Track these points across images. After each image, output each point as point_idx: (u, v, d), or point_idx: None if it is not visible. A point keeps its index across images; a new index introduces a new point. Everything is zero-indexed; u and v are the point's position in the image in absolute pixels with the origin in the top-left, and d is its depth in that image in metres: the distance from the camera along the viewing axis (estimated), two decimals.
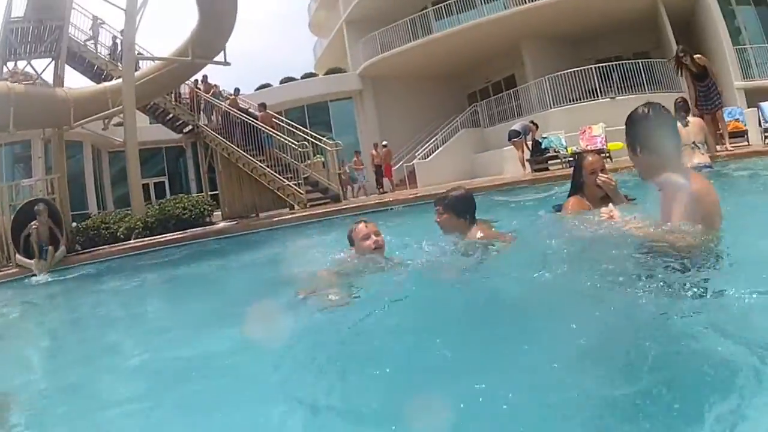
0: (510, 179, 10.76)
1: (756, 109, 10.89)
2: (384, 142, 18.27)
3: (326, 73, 23.67)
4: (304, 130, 13.94)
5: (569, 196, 3.05)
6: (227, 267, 6.84)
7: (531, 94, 17.04)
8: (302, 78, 23.47)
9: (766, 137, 10.29)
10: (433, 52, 19.37)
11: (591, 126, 12.92)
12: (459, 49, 18.88)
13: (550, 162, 13.20)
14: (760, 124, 10.61)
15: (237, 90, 15.46)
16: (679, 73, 8.92)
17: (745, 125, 10.75)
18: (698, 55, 8.78)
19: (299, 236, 7.86)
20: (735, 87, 14.52)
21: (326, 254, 3.43)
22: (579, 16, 16.52)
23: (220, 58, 12.86)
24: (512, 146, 14.26)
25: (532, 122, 14.07)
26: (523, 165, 13.73)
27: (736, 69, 14.91)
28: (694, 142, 5.45)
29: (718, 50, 15.02)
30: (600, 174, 2.95)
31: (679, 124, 5.36)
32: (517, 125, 14.04)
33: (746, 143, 10.27)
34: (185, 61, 12.41)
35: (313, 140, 13.46)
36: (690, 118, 6.05)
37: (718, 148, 8.28)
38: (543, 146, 13.47)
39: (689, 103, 7.50)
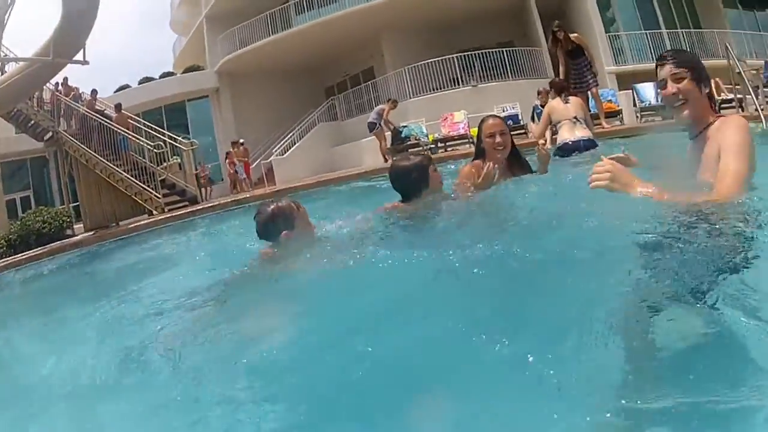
0: (371, 167, 10.76)
1: (630, 90, 11.62)
2: (241, 140, 17.11)
3: (184, 72, 22.32)
4: (160, 130, 13.38)
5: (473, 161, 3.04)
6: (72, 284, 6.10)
7: (390, 84, 16.62)
8: (160, 77, 22.11)
9: (642, 116, 10.87)
10: (292, 47, 18.58)
11: (453, 113, 12.81)
12: (317, 43, 18.21)
13: (411, 150, 12.43)
14: (634, 104, 11.27)
15: (94, 91, 14.55)
16: (556, 49, 8.69)
17: (618, 106, 11.30)
18: (575, 34, 8.76)
19: (155, 242, 7.33)
20: (606, 72, 15.05)
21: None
22: (442, 7, 16.41)
23: (79, 56, 11.71)
24: (374, 137, 13.43)
25: (388, 100, 13.27)
26: (384, 155, 12.92)
27: (608, 55, 15.49)
28: (575, 117, 5.43)
29: (589, 37, 15.14)
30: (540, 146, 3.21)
31: (559, 100, 5.65)
32: (372, 115, 13.15)
33: (619, 123, 10.58)
34: (47, 61, 11.04)
35: (169, 141, 13.03)
36: (571, 97, 5.99)
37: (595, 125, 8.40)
38: (403, 135, 12.92)
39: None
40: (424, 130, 12.96)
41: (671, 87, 1.86)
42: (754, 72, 10.53)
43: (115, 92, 20.28)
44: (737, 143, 1.71)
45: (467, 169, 2.97)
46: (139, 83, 21.89)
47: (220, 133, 20.31)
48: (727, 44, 9.82)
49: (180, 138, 13.77)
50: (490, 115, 3.19)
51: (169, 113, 20.68)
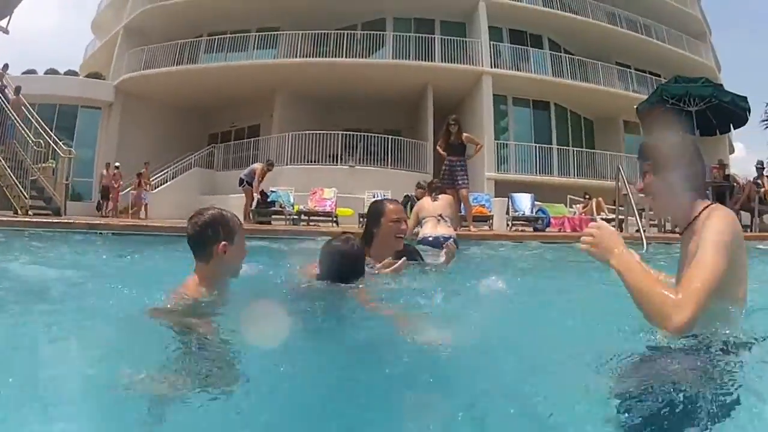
0: None
1: (507, 198, 12.11)
2: (117, 164, 16.26)
3: (86, 76, 21.02)
4: (47, 129, 12.63)
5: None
6: None
7: (271, 146, 16.31)
8: (64, 74, 20.75)
9: (512, 225, 11.28)
10: (190, 83, 18.04)
11: (323, 188, 12.68)
12: (216, 86, 17.80)
13: (274, 216, 12.34)
14: (507, 212, 11.69)
15: (6, 66, 13.86)
16: (444, 141, 8.72)
17: (490, 211, 11.50)
18: (467, 134, 8.85)
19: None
20: (486, 177, 15.27)
21: None
22: (342, 82, 16.48)
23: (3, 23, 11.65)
24: (242, 195, 12.81)
25: (267, 161, 12.86)
26: (246, 216, 12.22)
27: (491, 161, 15.68)
28: (440, 215, 5.55)
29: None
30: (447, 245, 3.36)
31: (429, 199, 5.76)
32: (246, 171, 12.65)
33: (487, 228, 10.70)
34: None
35: (51, 142, 12.32)
36: (441, 195, 6.12)
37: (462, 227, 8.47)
38: (270, 199, 12.61)
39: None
40: (291, 200, 12.69)
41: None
42: (643, 195, 10.63)
43: (23, 73, 18.85)
44: (713, 235, 1.50)
45: None
46: (45, 73, 20.40)
47: (100, 149, 19.11)
48: (619, 166, 9.95)
49: (61, 143, 12.92)
50: (389, 200, 3.11)
51: (62, 114, 19.18)
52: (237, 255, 2.08)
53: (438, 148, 8.86)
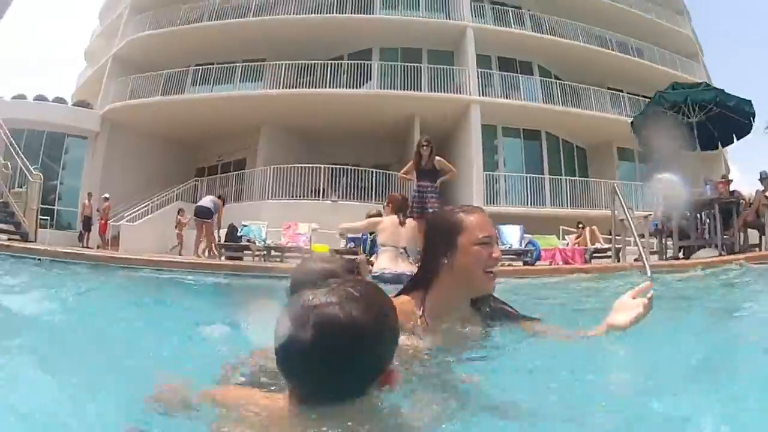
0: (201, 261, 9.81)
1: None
2: (106, 195, 16.09)
3: (74, 104, 20.91)
4: (18, 152, 12.69)
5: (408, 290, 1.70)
6: None
7: (255, 180, 16.06)
8: (53, 101, 20.40)
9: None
10: (177, 115, 17.88)
11: (298, 223, 12.22)
12: (202, 118, 17.61)
13: (241, 252, 11.83)
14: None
15: None
16: (416, 165, 7.97)
17: None
18: (440, 158, 7.89)
19: None
20: None
21: None
22: (329, 116, 16.32)
23: None
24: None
25: (219, 196, 12.52)
26: (211, 251, 11.87)
27: (480, 193, 15.35)
28: (404, 248, 5.02)
29: (467, 175, 15.34)
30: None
31: (394, 220, 5.18)
32: (207, 201, 12.11)
33: None
34: None
35: (21, 166, 12.35)
36: (408, 220, 5.49)
37: None
38: (240, 233, 12.13)
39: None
40: (263, 234, 12.18)
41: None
42: (641, 220, 10.16)
43: (12, 98, 19.34)
44: None
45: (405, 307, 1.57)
46: (34, 99, 20.17)
47: (86, 179, 18.95)
48: (615, 187, 9.35)
49: (32, 168, 12.85)
50: (467, 208, 1.68)
51: (50, 141, 19.25)
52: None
53: (401, 173, 8.23)
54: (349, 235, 10.94)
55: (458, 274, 1.58)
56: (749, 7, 55.72)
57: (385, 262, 4.83)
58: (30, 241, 11.16)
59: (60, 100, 21.41)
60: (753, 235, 9.15)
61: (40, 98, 20.41)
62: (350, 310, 0.90)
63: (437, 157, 7.88)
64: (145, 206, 16.40)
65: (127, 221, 15.84)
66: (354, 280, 1.02)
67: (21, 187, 12.71)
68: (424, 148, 7.71)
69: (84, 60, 25.73)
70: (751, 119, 9.86)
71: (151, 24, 19.44)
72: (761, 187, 9.09)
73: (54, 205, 19.04)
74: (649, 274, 5.83)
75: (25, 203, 12.15)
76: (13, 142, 13.16)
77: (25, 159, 12.83)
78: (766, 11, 45.04)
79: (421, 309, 1.60)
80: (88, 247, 15.00)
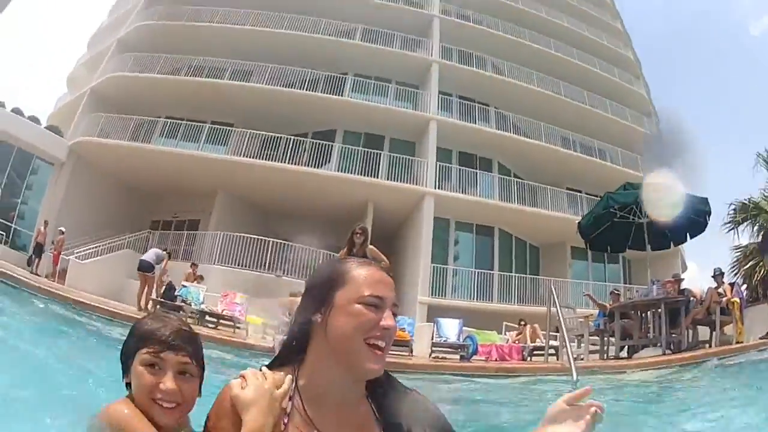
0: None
1: (432, 324, 11.59)
2: (62, 228, 16.08)
3: (46, 128, 20.60)
4: None
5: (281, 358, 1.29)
6: None
7: (205, 243, 16.12)
8: (28, 118, 20.14)
9: (432, 352, 10.83)
10: (141, 162, 18.02)
11: (236, 292, 12.39)
12: (165, 171, 17.79)
13: (174, 312, 11.61)
14: (432, 338, 11.15)
15: None
16: (345, 249, 7.64)
17: (411, 336, 10.92)
18: (373, 247, 7.63)
19: None
20: (419, 301, 15.09)
21: None
22: (286, 189, 16.66)
23: None
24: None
25: (164, 249, 12.73)
26: (145, 304, 11.85)
27: (426, 284, 15.56)
28: None
29: (414, 267, 15.71)
30: None
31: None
32: (151, 255, 12.24)
33: (408, 353, 10.32)
34: None
35: None
36: None
37: None
38: (177, 293, 12.25)
39: None
40: (201, 298, 12.26)
41: None
42: (582, 320, 10.25)
43: None
44: None
45: None
46: (11, 110, 19.77)
47: (45, 205, 18.75)
48: (551, 287, 9.41)
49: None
50: (373, 263, 1.31)
51: (19, 158, 18.84)
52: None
53: None
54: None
55: (333, 341, 1.15)
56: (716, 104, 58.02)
57: None
58: None
59: (34, 119, 21.40)
60: (703, 331, 8.96)
61: (17, 111, 20.23)
62: None
63: (370, 246, 7.71)
64: (96, 247, 16.31)
65: (75, 257, 15.66)
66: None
67: None
68: (358, 235, 7.48)
69: (65, 86, 25.76)
70: (706, 217, 9.82)
71: (134, 65, 19.68)
72: (714, 284, 9.04)
73: (12, 222, 18.98)
74: (575, 376, 5.80)
75: None
76: None
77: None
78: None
79: (294, 386, 1.19)
80: (36, 274, 14.96)
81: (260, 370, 1.20)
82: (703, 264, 39.01)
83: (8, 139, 18.41)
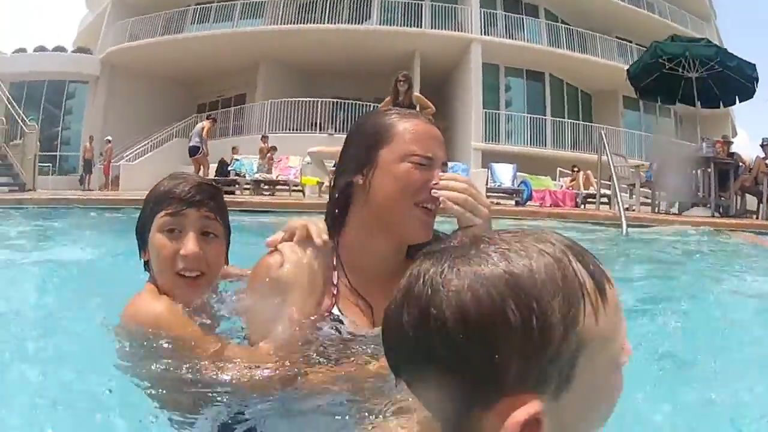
0: None
1: (487, 169, 11.22)
2: (108, 137, 16.14)
3: (74, 51, 20.92)
4: (14, 104, 12.77)
5: None
6: None
7: (254, 115, 16.13)
8: (53, 50, 20.56)
9: (488, 197, 10.22)
10: (177, 54, 17.76)
11: (289, 156, 12.19)
12: (202, 56, 17.48)
13: (230, 187, 11.64)
14: (487, 183, 10.70)
15: None
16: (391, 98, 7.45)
17: None
18: (418, 94, 7.58)
19: None
20: (473, 147, 14.85)
21: None
22: (328, 51, 16.10)
23: None
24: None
25: (208, 117, 12.62)
26: None
27: (478, 130, 15.26)
28: None
29: (465, 112, 15.30)
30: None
31: None
32: (194, 138, 12.04)
33: None
34: None
35: (19, 119, 12.46)
36: None
37: None
38: (231, 167, 12.30)
39: None
40: (255, 168, 12.19)
41: None
42: (633, 169, 9.99)
43: (13, 53, 19.71)
44: None
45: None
46: (34, 51, 20.48)
47: (87, 123, 18.97)
48: (601, 133, 9.11)
49: (27, 120, 12.92)
50: (419, 114, 1.18)
51: (51, 89, 19.49)
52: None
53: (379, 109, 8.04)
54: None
55: (377, 205, 1.03)
56: None
57: None
58: (28, 190, 11.40)
59: (60, 49, 21.56)
60: (752, 201, 8.89)
61: (40, 49, 20.68)
62: None
63: (415, 93, 7.64)
64: (144, 145, 16.41)
65: (126, 161, 15.88)
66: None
67: (20, 139, 12.90)
68: (401, 83, 7.36)
69: (85, 6, 25.44)
70: (754, 83, 9.61)
71: None
72: (762, 154, 8.91)
73: (57, 151, 19.34)
74: (624, 230, 5.53)
75: (23, 154, 12.34)
76: (10, 97, 13.30)
77: (21, 112, 12.96)
78: None
79: (334, 258, 1.09)
80: (89, 189, 15.36)
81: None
82: (754, 134, 37.51)
83: (37, 77, 18.73)
